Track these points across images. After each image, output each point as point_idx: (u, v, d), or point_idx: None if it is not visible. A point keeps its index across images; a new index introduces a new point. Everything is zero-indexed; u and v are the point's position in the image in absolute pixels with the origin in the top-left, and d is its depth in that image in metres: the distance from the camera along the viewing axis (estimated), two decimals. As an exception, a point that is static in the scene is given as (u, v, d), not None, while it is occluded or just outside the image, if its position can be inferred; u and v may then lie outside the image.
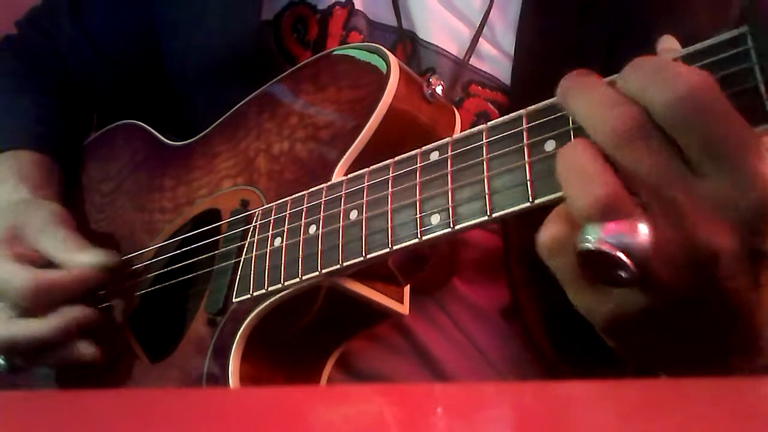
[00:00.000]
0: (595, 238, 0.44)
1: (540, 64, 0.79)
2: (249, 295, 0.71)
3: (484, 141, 0.57)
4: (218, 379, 0.72)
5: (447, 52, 0.83)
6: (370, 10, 0.86)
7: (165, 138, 0.96)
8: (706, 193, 0.44)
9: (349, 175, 0.68)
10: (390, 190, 0.63)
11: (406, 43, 0.84)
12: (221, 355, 0.73)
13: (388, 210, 0.63)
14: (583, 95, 0.48)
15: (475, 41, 0.82)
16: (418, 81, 0.73)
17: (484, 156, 0.57)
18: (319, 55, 0.79)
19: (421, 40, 0.84)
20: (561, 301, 0.51)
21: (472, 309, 0.82)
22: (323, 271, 0.66)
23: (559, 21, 0.80)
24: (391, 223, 0.62)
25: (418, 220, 0.60)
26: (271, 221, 0.72)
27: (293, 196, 0.72)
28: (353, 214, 0.65)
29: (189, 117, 0.98)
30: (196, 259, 0.81)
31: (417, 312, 0.77)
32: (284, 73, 0.81)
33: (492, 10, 0.83)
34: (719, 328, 0.49)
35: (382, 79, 0.70)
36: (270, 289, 0.70)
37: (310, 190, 0.70)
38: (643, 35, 0.76)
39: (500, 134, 0.56)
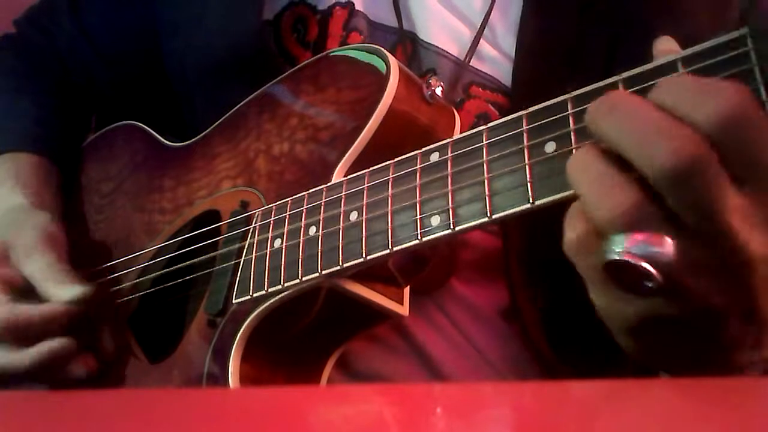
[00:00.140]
0: (620, 248, 0.43)
1: (540, 65, 0.79)
2: (249, 297, 0.71)
3: (485, 142, 0.57)
4: (218, 379, 0.72)
5: (447, 53, 0.83)
6: (370, 11, 0.86)
7: (164, 139, 0.96)
8: (744, 202, 0.44)
9: (349, 177, 0.68)
10: (390, 191, 0.63)
11: (407, 43, 0.84)
12: (221, 355, 0.73)
13: (388, 211, 0.63)
14: (628, 121, 0.44)
15: (475, 42, 0.82)
16: (417, 82, 0.73)
17: (485, 157, 0.57)
18: (319, 55, 0.79)
19: (422, 41, 0.83)
20: (560, 302, 0.51)
21: (471, 309, 0.82)
22: (323, 272, 0.66)
23: (560, 22, 0.80)
24: (391, 224, 0.62)
25: (418, 221, 0.60)
26: (271, 222, 0.72)
27: (293, 197, 0.72)
28: (353, 216, 0.65)
29: (189, 117, 0.98)
30: (195, 260, 0.81)
31: (416, 312, 0.77)
32: (284, 74, 0.81)
33: (493, 12, 0.83)
34: (738, 329, 0.48)
35: (382, 80, 0.70)
36: (270, 290, 0.70)
37: (310, 191, 0.70)
38: (643, 36, 0.76)
39: (500, 135, 0.56)
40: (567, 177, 0.47)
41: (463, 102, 0.81)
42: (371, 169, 0.66)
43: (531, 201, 0.53)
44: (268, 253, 0.71)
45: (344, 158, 0.71)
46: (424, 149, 0.62)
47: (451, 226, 0.58)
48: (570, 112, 0.52)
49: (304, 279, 0.67)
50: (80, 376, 0.82)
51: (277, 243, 0.71)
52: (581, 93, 0.52)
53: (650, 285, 0.44)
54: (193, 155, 0.89)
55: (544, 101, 0.54)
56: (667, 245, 0.43)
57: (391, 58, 0.72)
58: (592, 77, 0.52)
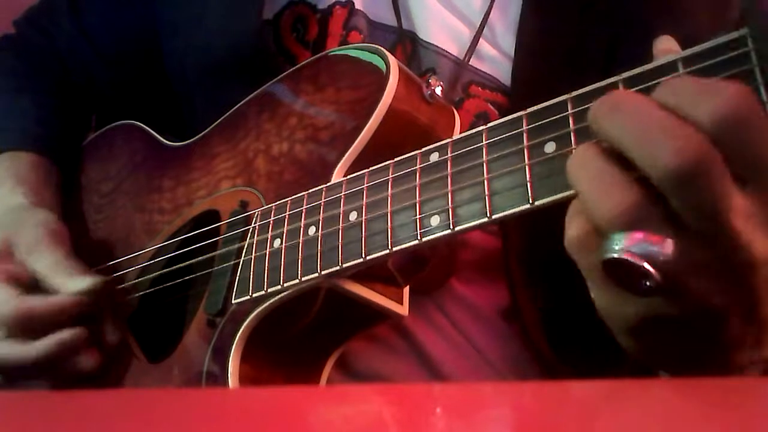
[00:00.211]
0: (619, 246, 0.43)
1: (540, 64, 0.79)
2: (248, 297, 0.71)
3: (484, 142, 0.57)
4: (217, 379, 0.72)
5: (447, 52, 0.83)
6: (370, 10, 0.86)
7: (164, 138, 0.96)
8: (747, 203, 0.44)
9: (349, 177, 0.68)
10: (390, 191, 0.63)
11: (406, 43, 0.84)
12: (221, 355, 0.73)
13: (387, 211, 0.63)
14: (631, 122, 0.44)
15: (475, 42, 0.82)
16: (417, 82, 0.73)
17: (484, 158, 0.57)
18: (318, 55, 0.79)
19: (422, 40, 0.84)
20: (560, 302, 0.51)
21: (471, 310, 0.82)
22: (323, 272, 0.66)
23: (560, 22, 0.80)
24: (391, 224, 0.62)
25: (417, 221, 0.60)
26: (271, 222, 0.72)
27: (292, 197, 0.72)
28: (353, 216, 0.65)
29: (188, 117, 0.98)
30: (195, 260, 0.81)
31: (416, 313, 0.77)
32: (284, 74, 0.81)
33: (492, 11, 0.83)
34: (739, 329, 0.48)
35: (382, 80, 0.70)
36: (269, 290, 0.70)
37: (310, 191, 0.70)
38: (643, 36, 0.76)
39: (500, 136, 0.56)
40: (567, 175, 0.47)
41: (462, 101, 0.81)
42: (371, 169, 0.66)
43: (531, 201, 0.53)
44: (267, 253, 0.71)
45: (344, 158, 0.71)
46: (423, 149, 0.62)
47: (451, 227, 0.58)
48: (570, 112, 0.52)
49: (303, 279, 0.67)
50: (87, 368, 0.82)
51: (277, 243, 0.71)
52: (581, 93, 0.52)
53: (649, 284, 0.44)
54: (193, 155, 0.89)
55: (544, 101, 0.54)
56: (667, 245, 0.43)
57: (391, 58, 0.72)
58: (592, 77, 0.52)
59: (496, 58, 0.82)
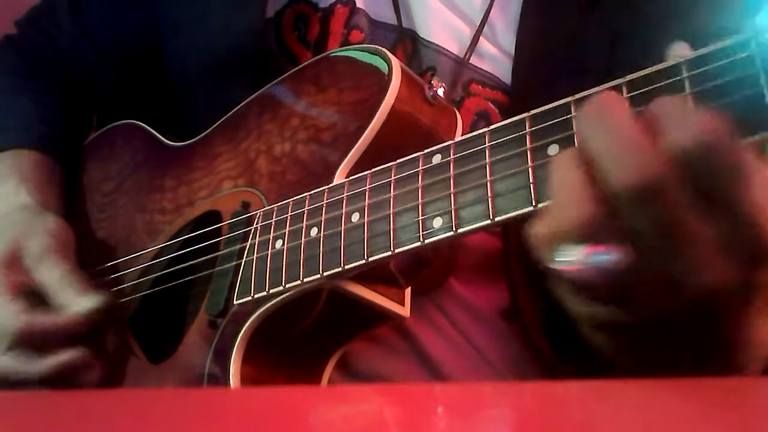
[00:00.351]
0: (569, 257, 0.44)
1: (540, 63, 0.79)
2: (250, 297, 0.71)
3: (487, 144, 0.57)
4: (219, 380, 0.72)
5: (447, 51, 0.83)
6: (371, 9, 0.86)
7: (165, 138, 0.96)
8: (709, 236, 0.44)
9: (351, 178, 0.68)
10: (392, 192, 0.63)
11: (407, 42, 0.84)
12: (222, 356, 0.73)
13: (390, 213, 0.63)
14: (604, 132, 0.45)
15: (475, 40, 0.82)
16: (419, 82, 0.73)
17: (487, 160, 0.57)
18: (320, 56, 0.79)
19: (422, 39, 0.84)
20: (560, 302, 0.51)
21: (472, 310, 0.82)
22: (324, 273, 0.66)
23: (560, 20, 0.80)
24: (393, 226, 0.62)
25: (420, 223, 0.60)
26: (273, 223, 0.72)
27: (294, 198, 0.72)
28: (355, 217, 0.65)
29: (190, 117, 0.98)
30: (197, 260, 0.81)
31: (417, 313, 0.77)
32: (285, 74, 0.81)
33: (492, 9, 0.83)
34: (698, 341, 0.50)
35: (384, 81, 0.70)
36: (271, 291, 0.70)
37: (312, 192, 0.70)
38: (644, 35, 0.76)
39: (503, 138, 0.56)
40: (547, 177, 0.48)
41: (463, 100, 0.81)
42: (373, 170, 0.66)
43: (534, 203, 0.53)
44: (269, 254, 0.71)
45: (346, 159, 0.71)
46: (426, 151, 0.62)
47: (454, 228, 0.58)
48: (573, 114, 0.52)
49: (305, 280, 0.67)
50: (88, 382, 0.82)
51: (279, 244, 0.71)
52: (584, 96, 0.52)
53: (594, 295, 0.46)
54: (194, 155, 0.89)
55: (544, 99, 0.54)
56: (617, 261, 0.44)
57: (393, 59, 0.72)
58: (593, 76, 0.52)
59: (496, 56, 0.82)
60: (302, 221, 0.69)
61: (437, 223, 0.59)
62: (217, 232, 0.80)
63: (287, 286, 0.69)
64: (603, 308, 0.48)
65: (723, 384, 0.41)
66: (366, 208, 0.65)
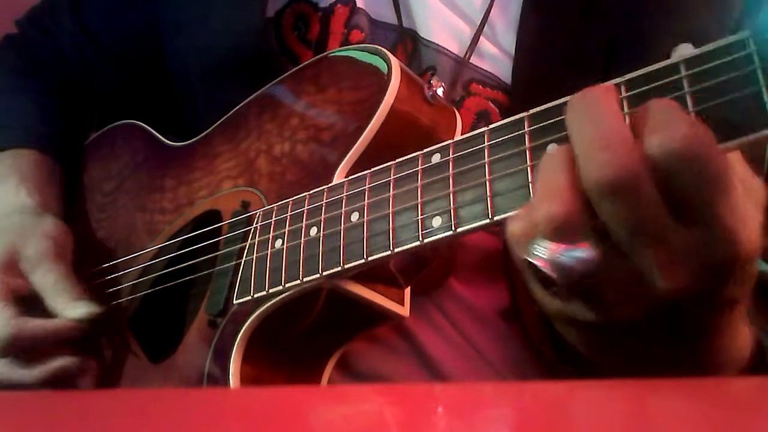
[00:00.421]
0: (539, 252, 0.45)
1: (540, 63, 0.79)
2: (250, 297, 0.71)
3: (486, 144, 0.57)
4: (219, 380, 0.72)
5: (448, 50, 0.83)
6: (371, 9, 0.86)
7: (165, 138, 0.96)
8: (679, 242, 0.45)
9: (351, 177, 0.68)
10: (391, 192, 0.63)
11: (407, 41, 0.84)
12: (222, 356, 0.73)
13: (389, 212, 0.63)
14: (584, 124, 0.46)
15: (475, 40, 0.82)
16: (419, 82, 0.73)
17: (486, 159, 0.56)
18: (320, 56, 0.79)
19: (422, 38, 0.84)
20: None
21: (472, 310, 0.82)
22: (324, 273, 0.66)
23: (560, 20, 0.80)
24: (393, 225, 0.62)
25: (419, 222, 0.60)
26: (272, 223, 0.72)
27: (294, 197, 0.72)
28: (354, 216, 0.65)
29: (190, 117, 0.98)
30: (196, 260, 0.81)
31: (417, 313, 0.77)
32: (285, 74, 0.81)
33: (493, 9, 0.83)
34: (666, 343, 0.50)
35: (384, 81, 0.70)
36: (271, 290, 0.70)
37: (311, 191, 0.70)
38: (643, 36, 0.76)
39: (502, 137, 0.56)
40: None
41: (463, 99, 0.81)
42: (372, 169, 0.66)
43: None
44: (269, 253, 0.71)
45: (345, 159, 0.71)
46: (425, 150, 0.62)
47: (453, 228, 0.58)
48: None
49: (305, 280, 0.67)
50: (85, 387, 0.82)
51: (278, 243, 0.71)
52: None
53: (560, 293, 0.46)
54: (194, 155, 0.89)
55: (544, 99, 0.54)
56: (584, 259, 0.45)
57: (393, 59, 0.72)
58: (593, 75, 0.52)
59: (496, 56, 0.82)
60: (302, 221, 0.69)
61: (436, 222, 0.59)
62: (217, 232, 0.80)
63: (287, 285, 0.69)
64: (571, 305, 0.48)
65: (723, 384, 0.41)
66: (365, 208, 0.65)
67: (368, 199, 0.65)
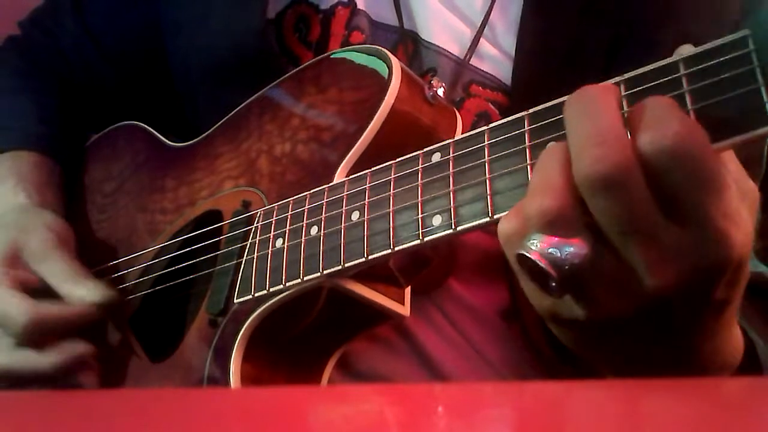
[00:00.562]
0: (533, 246, 0.45)
1: (540, 64, 0.79)
2: (250, 296, 0.71)
3: (486, 143, 0.57)
4: (219, 379, 0.72)
5: (448, 52, 0.83)
6: (372, 10, 0.86)
7: (166, 139, 0.96)
8: (669, 240, 0.45)
9: (351, 177, 0.68)
10: (392, 191, 0.63)
11: (408, 43, 0.84)
12: (222, 355, 0.73)
13: (389, 211, 0.63)
14: (580, 120, 0.46)
15: (476, 41, 0.82)
16: (419, 83, 0.73)
17: (486, 158, 0.57)
18: (321, 56, 0.79)
19: (423, 40, 0.84)
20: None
21: (472, 310, 0.82)
22: (324, 272, 0.66)
23: (560, 22, 0.80)
24: (393, 224, 0.62)
25: (419, 221, 0.60)
26: (273, 222, 0.73)
27: (295, 197, 0.72)
28: (355, 215, 0.65)
29: (191, 117, 0.98)
30: (197, 260, 0.81)
31: (417, 313, 0.77)
32: (286, 75, 0.81)
33: (493, 11, 0.83)
34: (654, 343, 0.51)
35: (384, 81, 0.71)
36: (271, 289, 0.70)
37: (312, 191, 0.70)
38: (643, 37, 0.76)
39: (502, 136, 0.56)
40: None
41: (463, 101, 0.81)
42: (373, 169, 0.66)
43: None
44: (269, 252, 0.71)
45: (346, 158, 0.71)
46: (425, 149, 0.62)
47: (453, 226, 0.58)
48: None
49: (305, 279, 0.68)
50: (86, 384, 0.82)
51: (279, 243, 0.71)
52: None
53: (552, 287, 0.46)
54: (196, 155, 0.89)
55: (545, 100, 0.54)
56: (576, 253, 0.45)
57: (393, 59, 0.72)
58: (593, 77, 0.52)
59: (496, 57, 0.82)
60: (302, 220, 0.69)
61: (436, 221, 0.59)
62: (218, 232, 0.80)
63: (287, 284, 0.69)
64: (563, 302, 0.49)
65: (723, 384, 0.41)
66: (366, 207, 0.65)
67: (369, 198, 0.65)
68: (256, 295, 0.71)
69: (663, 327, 0.49)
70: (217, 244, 0.79)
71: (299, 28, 0.88)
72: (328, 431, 0.38)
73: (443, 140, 0.62)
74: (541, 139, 0.53)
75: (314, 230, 0.68)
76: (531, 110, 0.55)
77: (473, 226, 0.57)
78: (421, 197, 0.61)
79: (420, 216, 0.60)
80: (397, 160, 0.64)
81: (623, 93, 0.49)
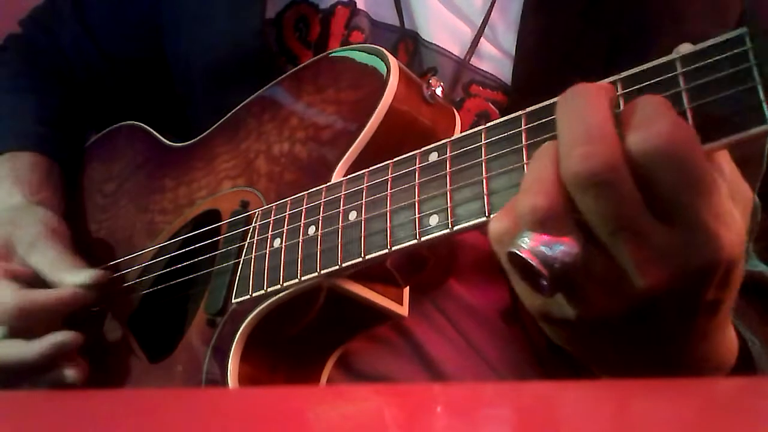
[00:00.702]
0: (524, 244, 0.45)
1: (540, 64, 0.79)
2: (248, 296, 0.71)
3: (483, 142, 0.57)
4: (217, 379, 0.72)
5: (448, 51, 0.83)
6: (372, 10, 0.86)
7: (166, 139, 0.96)
8: (659, 240, 0.45)
9: (349, 176, 0.68)
10: (389, 191, 0.63)
11: (408, 42, 0.84)
12: (220, 355, 0.73)
13: (386, 211, 0.63)
14: (570, 118, 0.46)
15: (476, 41, 0.82)
16: (417, 82, 0.73)
17: (483, 157, 0.56)
18: (319, 56, 0.79)
19: (423, 39, 0.84)
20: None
21: (472, 311, 0.82)
22: (322, 271, 0.66)
23: (560, 21, 0.80)
24: (390, 224, 0.62)
25: (416, 221, 0.60)
26: (271, 222, 0.72)
27: (293, 197, 0.72)
28: (352, 215, 0.65)
29: (191, 117, 0.98)
30: (196, 260, 0.81)
31: (417, 313, 0.77)
32: (285, 75, 0.81)
33: (493, 11, 0.83)
34: (644, 343, 0.51)
35: (382, 81, 0.71)
36: (269, 289, 0.70)
37: (310, 191, 0.70)
38: (643, 37, 0.76)
39: (499, 135, 0.56)
40: None
41: (463, 101, 0.81)
42: (370, 168, 0.66)
43: None
44: (267, 252, 0.71)
45: (344, 158, 0.71)
46: (423, 149, 0.62)
47: (450, 226, 0.58)
48: None
49: (303, 278, 0.68)
50: (72, 380, 0.81)
51: (277, 242, 0.71)
52: None
53: (542, 285, 0.46)
54: (194, 155, 0.89)
55: (545, 100, 0.54)
56: (567, 252, 0.45)
57: (392, 59, 0.72)
58: (593, 77, 0.52)
59: (496, 57, 0.82)
60: (300, 220, 0.69)
61: (434, 220, 0.59)
62: (216, 232, 0.80)
63: (285, 284, 0.69)
64: (553, 301, 0.49)
65: (723, 384, 0.41)
66: (363, 207, 0.65)
67: (366, 197, 0.65)
68: (254, 295, 0.71)
69: (654, 327, 0.49)
70: (215, 244, 0.79)
71: (299, 28, 0.88)
72: (328, 431, 0.38)
73: (441, 140, 0.62)
74: (538, 139, 0.53)
75: (312, 230, 0.68)
76: (528, 109, 0.55)
77: (470, 226, 0.57)
78: (418, 197, 0.61)
79: (417, 216, 0.60)
80: (395, 159, 0.64)
81: (620, 92, 0.49)
